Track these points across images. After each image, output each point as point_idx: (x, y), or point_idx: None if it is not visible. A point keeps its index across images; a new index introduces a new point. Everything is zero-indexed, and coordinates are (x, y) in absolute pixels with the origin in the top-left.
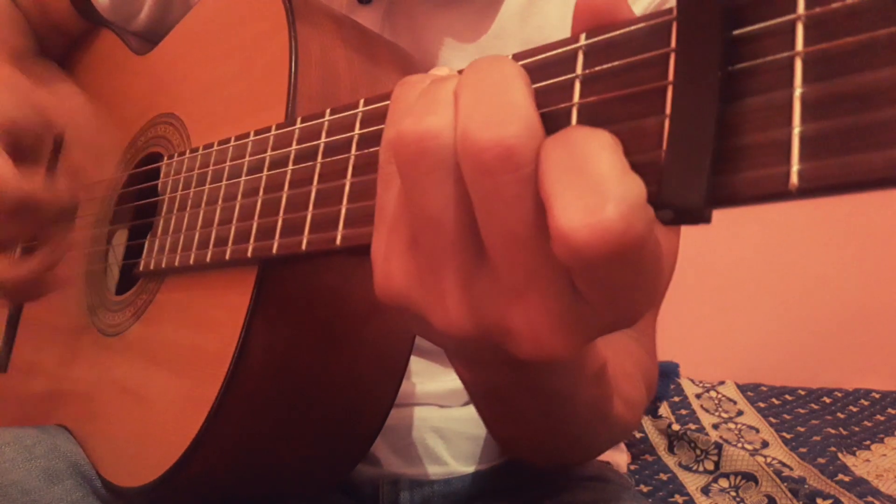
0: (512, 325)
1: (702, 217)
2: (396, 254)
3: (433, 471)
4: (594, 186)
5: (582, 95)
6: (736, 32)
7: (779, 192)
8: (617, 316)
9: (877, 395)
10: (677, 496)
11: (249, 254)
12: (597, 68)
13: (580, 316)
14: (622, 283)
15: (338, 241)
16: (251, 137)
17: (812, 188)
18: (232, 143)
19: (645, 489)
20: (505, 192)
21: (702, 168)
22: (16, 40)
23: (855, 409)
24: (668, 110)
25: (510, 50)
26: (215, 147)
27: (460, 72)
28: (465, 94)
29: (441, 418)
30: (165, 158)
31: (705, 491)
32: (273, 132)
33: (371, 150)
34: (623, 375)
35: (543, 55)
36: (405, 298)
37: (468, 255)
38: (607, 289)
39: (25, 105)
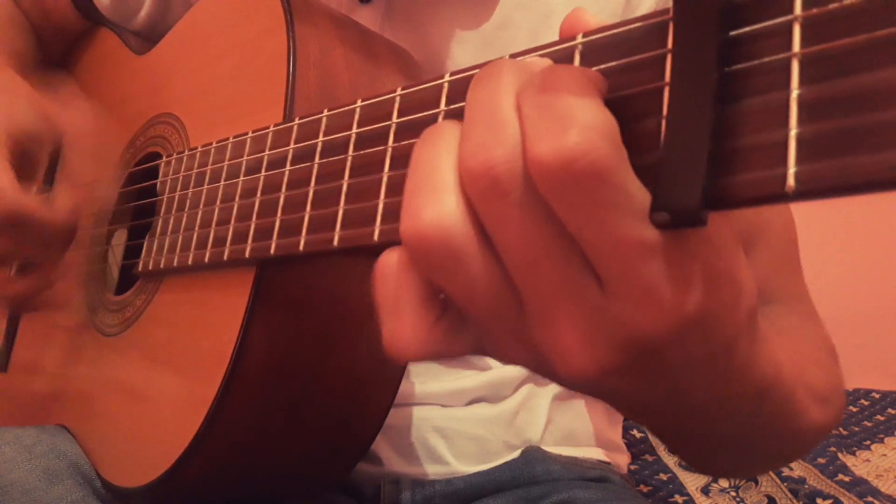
0: (545, 348)
1: (698, 220)
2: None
3: (435, 470)
4: (559, 115)
5: None
6: (732, 33)
7: (775, 195)
8: (640, 302)
9: (877, 395)
10: (677, 496)
11: (247, 254)
12: (593, 68)
13: (606, 324)
14: (607, 226)
15: (335, 242)
16: (249, 136)
17: (808, 190)
18: (230, 142)
19: (645, 489)
20: (507, 217)
21: (698, 170)
22: (17, 41)
23: (855, 409)
24: (664, 111)
25: (515, 41)
26: (213, 147)
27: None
28: (465, 120)
29: (443, 418)
30: (164, 158)
31: (705, 491)
32: (271, 131)
33: (367, 150)
34: (810, 364)
35: (540, 53)
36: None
37: (510, 309)
38: (595, 225)
39: (32, 112)
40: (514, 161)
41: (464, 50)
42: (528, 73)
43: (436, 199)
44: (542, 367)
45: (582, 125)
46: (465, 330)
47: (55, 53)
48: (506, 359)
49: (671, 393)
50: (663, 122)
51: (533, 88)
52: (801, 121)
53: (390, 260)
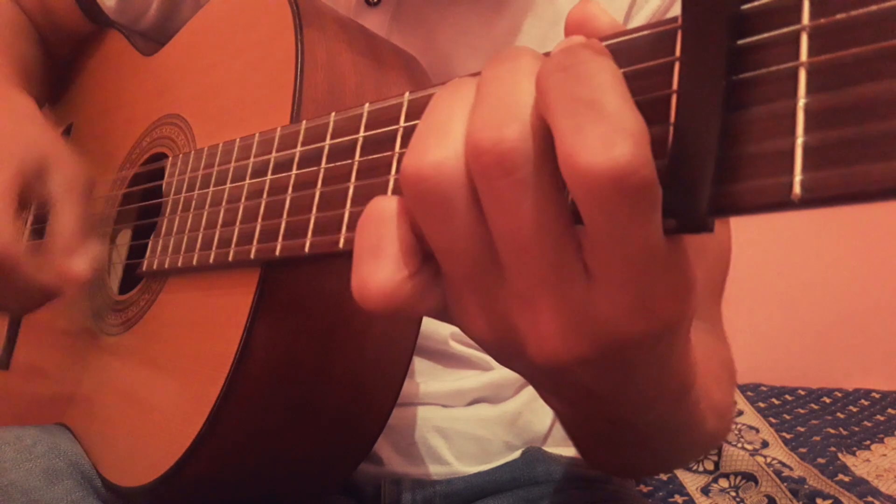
0: (520, 327)
1: (704, 226)
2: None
3: (435, 470)
4: (606, 120)
5: None
6: (741, 42)
7: (781, 202)
8: (630, 303)
9: (877, 395)
10: (677, 496)
11: (252, 255)
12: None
13: (588, 317)
14: (632, 235)
15: (341, 244)
16: (256, 138)
17: (814, 198)
18: (237, 144)
19: (645, 489)
20: (506, 197)
21: (705, 177)
22: (23, 49)
23: (855, 410)
24: (672, 119)
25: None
26: (220, 148)
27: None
28: (477, 94)
29: (444, 418)
30: (170, 159)
31: (705, 491)
32: (278, 133)
33: (375, 154)
34: (714, 380)
35: None
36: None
37: (488, 274)
38: (622, 233)
39: (44, 142)
40: (525, 142)
41: (472, 55)
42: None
43: (441, 145)
44: (505, 344)
45: (634, 135)
46: (435, 290)
47: (60, 56)
48: (468, 327)
49: (621, 385)
50: (671, 130)
51: (562, 73)
52: (807, 129)
53: (383, 204)
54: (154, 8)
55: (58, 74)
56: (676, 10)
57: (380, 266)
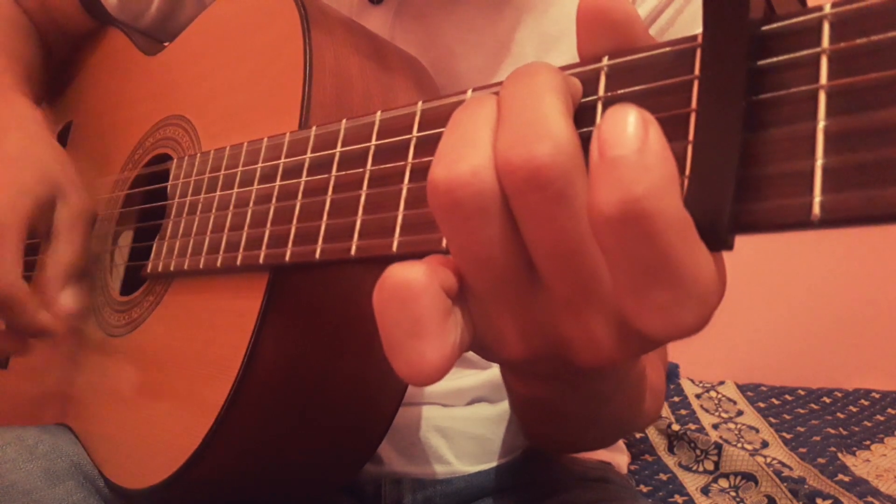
0: (571, 336)
1: (724, 244)
2: None
3: (436, 470)
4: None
5: None
6: (761, 63)
7: (801, 222)
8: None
9: (877, 395)
10: (677, 496)
11: (262, 260)
12: (619, 91)
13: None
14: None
15: (352, 252)
16: (264, 143)
17: (834, 219)
18: (245, 148)
19: (645, 489)
20: (542, 211)
21: (725, 195)
22: (26, 51)
23: (855, 409)
24: (690, 137)
25: (528, 43)
26: (227, 152)
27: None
28: (500, 113)
29: (444, 417)
30: (175, 161)
31: (705, 491)
32: (287, 139)
33: (387, 164)
34: (650, 364)
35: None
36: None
37: (522, 284)
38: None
39: (56, 169)
40: (556, 157)
41: (474, 51)
42: (566, 83)
43: (473, 154)
44: (548, 355)
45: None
46: (469, 325)
47: (60, 54)
48: (501, 346)
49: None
50: (689, 147)
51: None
52: (827, 151)
53: (408, 276)
54: (155, 6)
55: (57, 71)
56: (675, 8)
57: (429, 344)
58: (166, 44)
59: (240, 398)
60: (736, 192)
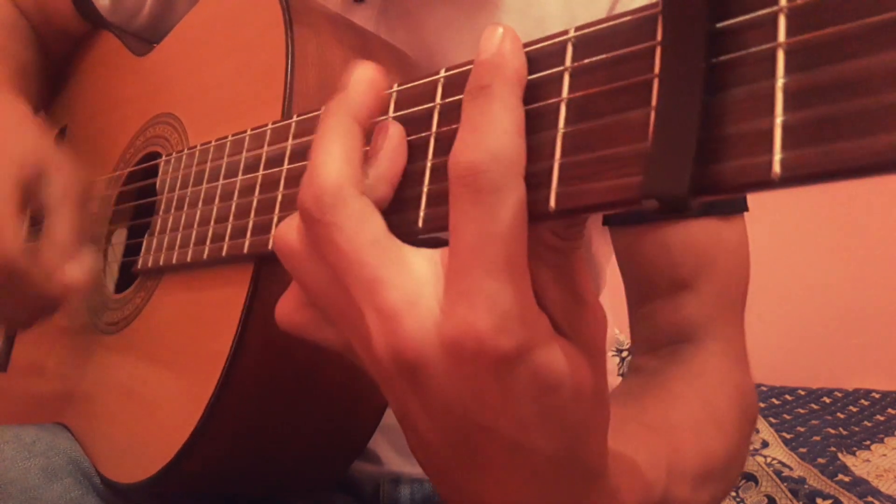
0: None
1: (686, 206)
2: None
3: None
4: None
5: (571, 88)
6: (720, 25)
7: (761, 181)
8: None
9: (877, 395)
10: None
11: (246, 250)
12: (585, 61)
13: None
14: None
15: None
16: (247, 134)
17: (794, 176)
18: (229, 140)
19: None
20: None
21: (686, 158)
22: (20, 50)
23: (855, 409)
24: (653, 102)
25: None
26: (212, 145)
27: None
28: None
29: None
30: (164, 157)
31: None
32: (269, 128)
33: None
34: (690, 442)
35: (534, 47)
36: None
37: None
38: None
39: (42, 149)
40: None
41: (457, 48)
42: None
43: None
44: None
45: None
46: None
47: (56, 56)
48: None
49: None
50: (652, 113)
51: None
52: (786, 109)
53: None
54: (147, 8)
55: (56, 71)
56: None
57: (289, 291)
58: (156, 44)
59: (228, 388)
60: (697, 154)
